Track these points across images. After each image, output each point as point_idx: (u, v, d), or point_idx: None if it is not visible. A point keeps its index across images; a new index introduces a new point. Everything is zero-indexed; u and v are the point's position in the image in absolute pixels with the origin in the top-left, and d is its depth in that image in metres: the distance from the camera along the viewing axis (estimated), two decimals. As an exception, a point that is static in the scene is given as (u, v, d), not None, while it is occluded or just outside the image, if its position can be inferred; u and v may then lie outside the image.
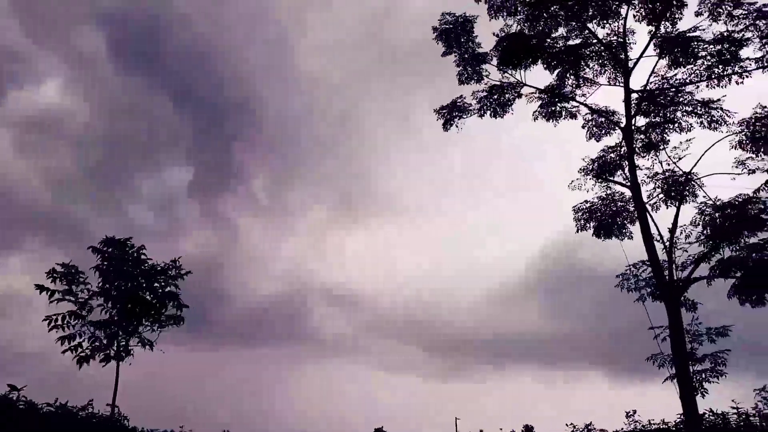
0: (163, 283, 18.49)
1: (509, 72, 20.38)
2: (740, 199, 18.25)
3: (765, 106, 18.38)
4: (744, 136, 18.64)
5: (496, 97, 20.64)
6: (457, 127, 21.11)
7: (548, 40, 19.67)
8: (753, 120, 18.47)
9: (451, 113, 21.04)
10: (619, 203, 20.57)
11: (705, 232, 18.89)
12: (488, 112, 20.88)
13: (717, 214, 18.68)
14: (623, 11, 19.59)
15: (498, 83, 20.82)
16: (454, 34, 20.64)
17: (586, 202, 20.78)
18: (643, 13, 19.38)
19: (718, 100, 19.24)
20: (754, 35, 18.22)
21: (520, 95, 20.86)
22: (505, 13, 20.02)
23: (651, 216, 19.46)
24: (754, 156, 18.70)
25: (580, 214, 20.76)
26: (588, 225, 20.66)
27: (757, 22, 18.05)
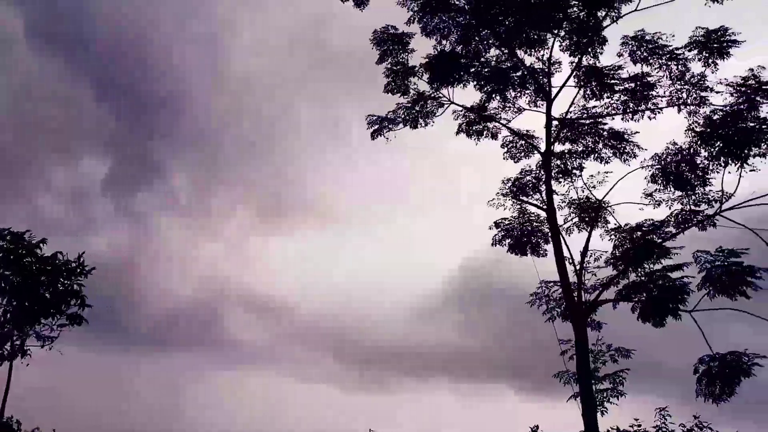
0: (66, 281, 17.38)
1: (439, 89, 20.86)
2: (649, 224, 19.37)
3: (676, 143, 19.46)
4: (656, 170, 19.71)
5: (417, 108, 21.15)
6: (385, 137, 21.40)
7: (478, 62, 20.25)
8: (664, 155, 19.56)
9: (381, 124, 21.31)
10: (535, 223, 21.32)
11: (615, 253, 19.85)
12: (408, 123, 21.38)
13: (626, 238, 19.70)
14: (550, 41, 20.42)
15: (420, 92, 21.32)
16: (391, 43, 20.91)
17: (504, 219, 21.48)
18: (568, 45, 20.23)
19: (631, 134, 20.41)
20: (665, 75, 19.38)
21: (441, 104, 21.42)
22: (438, 35, 20.48)
23: (564, 239, 20.34)
24: (663, 189, 19.78)
25: (497, 230, 21.45)
26: (504, 242, 21.32)
27: (669, 63, 19.19)
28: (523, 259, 21.61)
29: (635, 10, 19.19)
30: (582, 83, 20.30)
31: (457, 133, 21.57)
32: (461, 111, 21.35)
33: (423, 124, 21.55)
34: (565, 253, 20.06)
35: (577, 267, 20.16)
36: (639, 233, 19.68)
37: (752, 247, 17.13)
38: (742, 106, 17.49)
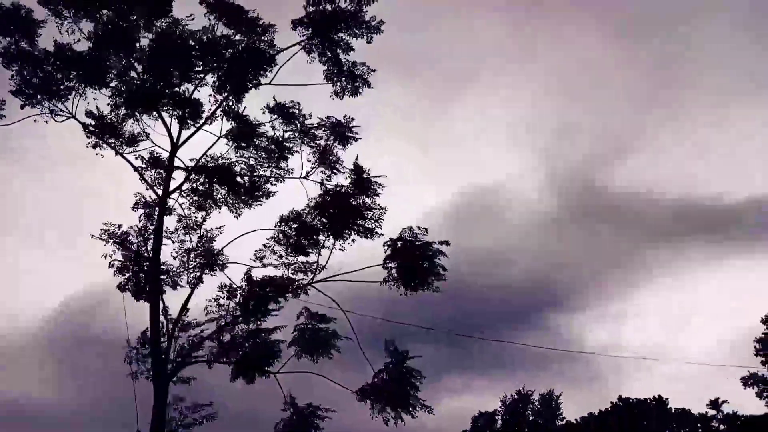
0: None
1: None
2: (260, 281, 19.17)
3: (296, 210, 19.75)
4: (278, 233, 19.73)
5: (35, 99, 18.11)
6: None
7: (116, 72, 18.37)
8: (287, 218, 19.72)
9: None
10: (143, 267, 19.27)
11: (231, 306, 19.02)
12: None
13: (235, 295, 19.04)
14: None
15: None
16: (9, 20, 17.66)
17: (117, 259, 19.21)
18: (217, 86, 19.53)
19: (267, 192, 20.45)
20: (300, 147, 20.21)
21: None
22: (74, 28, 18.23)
23: (163, 292, 19.00)
24: (286, 252, 19.69)
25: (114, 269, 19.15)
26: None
27: (304, 138, 20.14)
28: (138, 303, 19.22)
29: (269, 83, 19.64)
30: (228, 134, 19.80)
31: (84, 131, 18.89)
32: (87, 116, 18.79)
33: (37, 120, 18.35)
34: (162, 306, 18.67)
35: (171, 323, 18.72)
36: (255, 289, 19.15)
37: (339, 316, 18.57)
38: (351, 190, 19.16)
